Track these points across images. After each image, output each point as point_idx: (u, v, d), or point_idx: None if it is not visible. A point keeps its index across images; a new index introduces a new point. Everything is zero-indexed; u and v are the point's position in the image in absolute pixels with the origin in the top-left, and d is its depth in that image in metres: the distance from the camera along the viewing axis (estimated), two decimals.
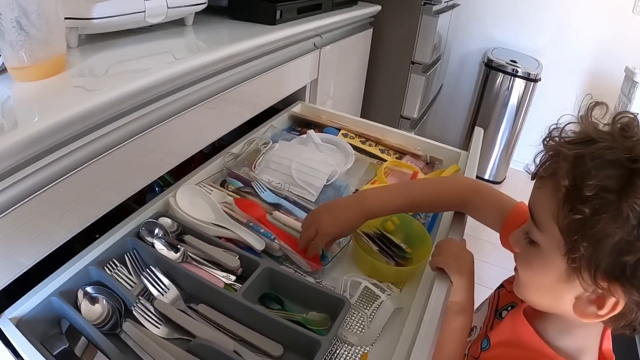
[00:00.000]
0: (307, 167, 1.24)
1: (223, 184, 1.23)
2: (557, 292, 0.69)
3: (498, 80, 3.34)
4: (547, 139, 0.70)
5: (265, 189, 1.19)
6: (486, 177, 3.67)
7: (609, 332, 0.76)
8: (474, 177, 1.25)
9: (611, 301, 0.63)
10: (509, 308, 0.91)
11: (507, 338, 0.83)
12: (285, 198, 1.18)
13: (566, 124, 0.70)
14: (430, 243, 1.07)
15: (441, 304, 0.83)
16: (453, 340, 0.85)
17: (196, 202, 1.09)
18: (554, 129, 0.71)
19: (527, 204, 0.77)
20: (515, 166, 3.64)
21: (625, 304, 0.63)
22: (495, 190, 1.02)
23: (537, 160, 0.72)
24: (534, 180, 0.71)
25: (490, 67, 3.34)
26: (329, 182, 1.23)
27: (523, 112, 3.41)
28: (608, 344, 0.77)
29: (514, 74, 3.27)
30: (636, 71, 2.56)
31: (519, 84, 3.30)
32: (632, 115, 0.65)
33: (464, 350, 0.87)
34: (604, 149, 0.61)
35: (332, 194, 1.20)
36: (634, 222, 0.56)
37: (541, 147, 0.71)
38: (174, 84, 1.04)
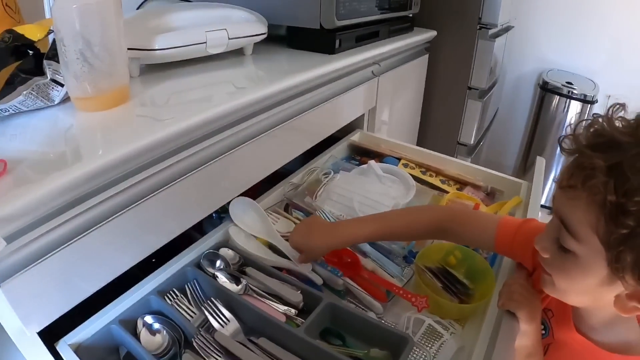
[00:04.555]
0: (369, 200, 1.23)
1: (287, 208, 1.25)
2: (597, 294, 0.70)
3: (554, 102, 3.25)
4: (568, 145, 0.70)
5: (329, 219, 1.18)
6: (542, 202, 3.57)
7: None
8: (539, 209, 1.23)
9: None
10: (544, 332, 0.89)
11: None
12: None
13: (582, 123, 0.70)
14: (493, 278, 1.04)
15: (509, 345, 0.80)
16: None
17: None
18: (571, 133, 0.70)
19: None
20: None
21: None
22: (470, 211, 1.07)
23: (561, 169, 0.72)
24: (562, 189, 0.69)
25: (546, 90, 3.26)
26: None
27: None
28: None
29: (570, 96, 3.18)
30: None
31: (575, 106, 3.20)
32: None
33: None
34: (637, 156, 0.60)
35: None
36: None
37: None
38: (237, 115, 1.04)
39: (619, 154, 0.62)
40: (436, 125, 2.65)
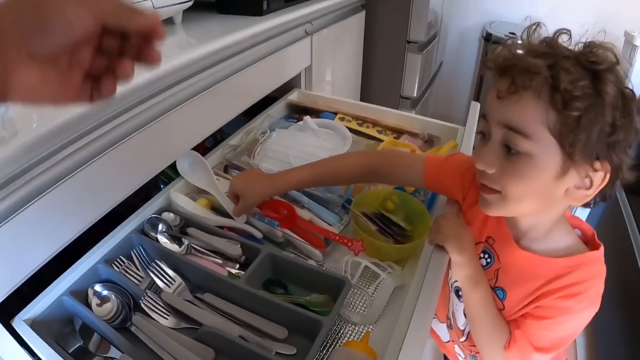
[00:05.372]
0: (304, 153, 1.26)
1: (226, 169, 1.27)
2: (549, 191, 0.76)
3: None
4: (497, 62, 0.76)
5: None
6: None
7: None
8: (471, 150, 1.27)
9: (598, 178, 0.73)
10: (484, 255, 0.94)
11: (519, 277, 0.87)
12: None
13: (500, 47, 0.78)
14: (429, 220, 1.07)
15: (438, 278, 0.84)
16: (485, 309, 0.88)
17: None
18: (491, 57, 0.77)
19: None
20: None
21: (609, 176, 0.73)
22: (397, 151, 1.10)
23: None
24: (502, 99, 0.74)
25: (490, 41, 3.28)
26: None
27: None
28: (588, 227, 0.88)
29: None
30: (635, 34, 2.51)
31: None
32: (565, 31, 0.74)
33: (499, 312, 0.89)
34: (567, 57, 0.69)
35: None
36: (614, 107, 0.67)
37: None
38: (168, 79, 1.05)
39: (549, 58, 0.69)
40: (378, 80, 2.67)
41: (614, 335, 1.89)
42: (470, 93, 3.70)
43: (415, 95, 2.66)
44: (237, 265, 0.97)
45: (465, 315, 0.98)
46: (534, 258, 0.84)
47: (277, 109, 1.62)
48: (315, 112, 1.61)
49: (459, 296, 1.00)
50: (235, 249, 0.97)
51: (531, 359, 0.84)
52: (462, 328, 1.03)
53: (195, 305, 0.89)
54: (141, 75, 0.96)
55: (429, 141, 1.52)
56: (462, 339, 1.05)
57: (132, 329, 0.84)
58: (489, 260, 0.92)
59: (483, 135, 0.79)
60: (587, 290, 0.79)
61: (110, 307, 0.87)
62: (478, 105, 1.51)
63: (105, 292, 0.88)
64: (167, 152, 1.14)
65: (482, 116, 0.79)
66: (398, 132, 1.54)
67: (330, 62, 2.06)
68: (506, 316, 0.89)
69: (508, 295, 0.89)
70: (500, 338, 0.87)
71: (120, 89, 0.86)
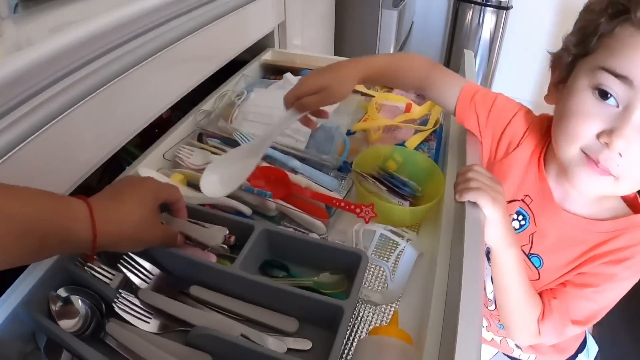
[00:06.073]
0: None
1: (200, 137, 1.14)
2: None
3: (469, 12, 3.30)
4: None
5: (248, 139, 1.07)
6: None
7: None
8: None
9: None
10: (517, 217, 0.87)
11: (560, 242, 0.82)
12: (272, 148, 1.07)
13: None
14: (441, 175, 0.97)
15: (480, 242, 0.71)
16: (519, 276, 0.79)
17: None
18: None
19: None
20: None
21: None
22: (447, 70, 0.97)
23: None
24: None
25: (460, 0, 3.29)
26: (318, 125, 1.11)
27: (498, 43, 3.37)
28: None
29: (484, 4, 3.22)
30: None
31: (490, 14, 3.25)
32: None
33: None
34: None
35: (322, 137, 1.09)
36: None
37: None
38: (115, 37, 0.90)
39: None
40: (353, 39, 2.60)
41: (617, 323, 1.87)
42: (441, 56, 3.71)
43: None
44: (227, 249, 0.83)
45: (492, 282, 0.88)
46: (579, 221, 0.79)
47: (251, 71, 1.49)
48: (293, 72, 1.47)
49: (487, 259, 0.89)
50: (215, 238, 0.82)
51: (565, 333, 0.81)
52: (490, 297, 0.95)
53: (181, 302, 0.76)
54: (78, 29, 0.80)
55: (422, 95, 1.38)
56: (492, 308, 0.96)
57: (107, 339, 0.71)
58: (522, 222, 0.85)
59: (605, 95, 0.67)
60: (635, 256, 0.76)
61: (77, 315, 0.73)
62: (472, 53, 1.40)
63: (71, 298, 0.75)
64: (125, 124, 0.98)
65: (618, 76, 0.65)
66: (387, 87, 1.42)
67: (301, 21, 1.94)
68: (538, 287, 0.84)
69: (545, 262, 0.84)
70: (534, 309, 0.81)
71: (53, 47, 0.73)
